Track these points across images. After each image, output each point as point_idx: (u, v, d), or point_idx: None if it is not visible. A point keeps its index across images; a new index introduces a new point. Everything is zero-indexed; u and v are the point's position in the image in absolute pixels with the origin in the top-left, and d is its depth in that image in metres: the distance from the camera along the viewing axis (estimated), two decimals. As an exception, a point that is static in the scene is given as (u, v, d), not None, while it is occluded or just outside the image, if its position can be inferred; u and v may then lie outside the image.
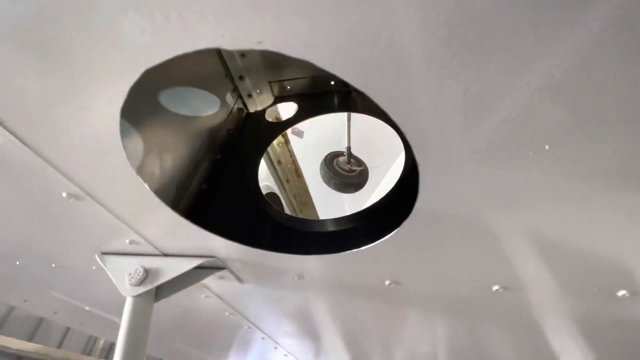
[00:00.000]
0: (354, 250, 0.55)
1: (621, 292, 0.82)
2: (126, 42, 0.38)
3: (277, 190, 1.14)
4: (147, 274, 0.51)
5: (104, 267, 0.59)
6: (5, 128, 0.49)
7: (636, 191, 0.56)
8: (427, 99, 0.45)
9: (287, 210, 1.02)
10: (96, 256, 0.61)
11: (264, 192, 0.89)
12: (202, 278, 0.53)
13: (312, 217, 1.09)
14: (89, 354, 6.08)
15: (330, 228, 0.56)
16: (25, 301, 1.23)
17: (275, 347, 1.02)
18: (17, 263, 0.80)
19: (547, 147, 0.51)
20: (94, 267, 0.70)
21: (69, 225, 0.58)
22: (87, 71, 0.41)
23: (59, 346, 5.78)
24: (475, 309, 0.88)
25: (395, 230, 0.57)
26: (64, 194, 0.53)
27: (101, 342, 6.26)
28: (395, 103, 0.44)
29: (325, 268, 0.59)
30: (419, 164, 0.53)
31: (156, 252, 0.56)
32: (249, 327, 0.88)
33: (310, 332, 0.95)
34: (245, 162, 0.75)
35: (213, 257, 0.52)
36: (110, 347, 6.44)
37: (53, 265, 0.77)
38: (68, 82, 0.44)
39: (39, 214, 0.57)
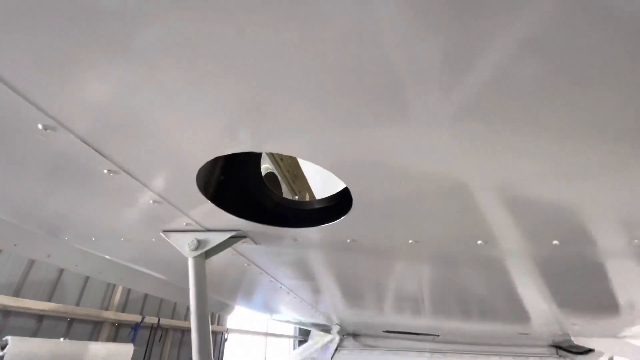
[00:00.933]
0: (329, 224, 0.79)
1: (568, 238, 0.92)
2: None
3: (274, 169, 1.34)
4: (199, 243, 0.76)
5: (169, 240, 0.82)
6: (80, 138, 0.66)
7: (595, 148, 0.62)
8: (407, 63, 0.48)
9: (283, 184, 1.23)
10: (161, 234, 0.84)
11: (264, 173, 1.09)
12: (232, 244, 0.78)
13: (304, 187, 1.31)
14: (107, 309, 6.60)
15: (315, 206, 0.78)
16: (100, 273, 1.43)
17: (280, 287, 1.33)
18: (93, 239, 1.01)
19: (520, 108, 0.55)
20: (153, 239, 0.93)
21: (140, 214, 0.80)
22: None
23: (77, 304, 6.22)
24: (457, 261, 1.07)
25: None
26: (151, 201, 0.73)
27: (117, 298, 6.75)
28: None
29: (312, 234, 0.83)
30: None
31: (202, 229, 0.82)
32: (260, 273, 1.16)
33: (306, 275, 1.23)
34: (249, 158, 0.94)
35: (238, 230, 0.80)
36: (126, 302, 6.98)
37: (122, 239, 1.00)
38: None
39: (124, 210, 0.80)
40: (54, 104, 0.60)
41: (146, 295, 7.49)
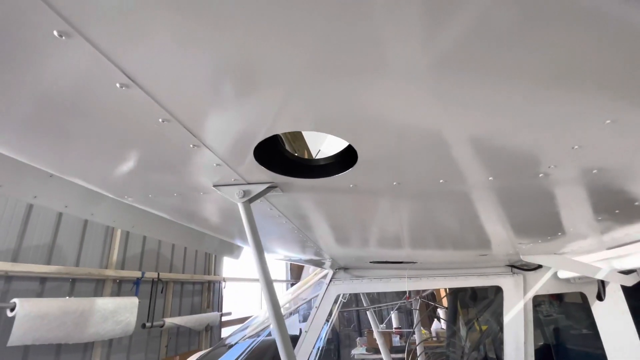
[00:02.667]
0: (339, 174, 1.02)
1: (538, 172, 1.06)
2: None
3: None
4: (244, 193, 0.99)
5: (220, 192, 1.04)
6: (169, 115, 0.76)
7: (563, 99, 0.68)
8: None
9: (286, 143, 1.44)
10: (213, 187, 1.05)
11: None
12: (266, 193, 1.02)
13: (302, 146, 1.52)
14: (106, 268, 6.89)
15: (324, 162, 1.00)
16: (114, 221, 1.61)
17: (292, 227, 1.62)
18: (150, 196, 1.21)
19: (498, 60, 0.57)
20: (202, 193, 1.14)
21: (200, 173, 1.00)
22: None
23: (77, 265, 6.45)
24: (429, 198, 1.29)
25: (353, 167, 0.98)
26: (214, 164, 0.92)
27: (114, 257, 7.02)
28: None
29: (324, 183, 1.07)
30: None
31: (245, 182, 1.02)
32: (279, 216, 1.41)
33: (314, 216, 1.49)
34: None
35: (272, 182, 1.03)
36: (124, 260, 7.29)
37: (175, 194, 1.19)
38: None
39: (187, 169, 0.99)
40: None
41: (143, 252, 7.81)
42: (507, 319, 2.33)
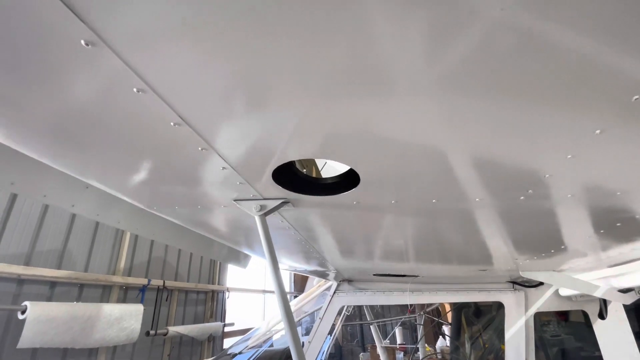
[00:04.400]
0: (344, 193, 1.12)
1: (529, 191, 1.13)
2: None
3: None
4: (261, 207, 1.10)
5: (239, 206, 1.15)
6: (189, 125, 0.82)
7: (561, 115, 0.73)
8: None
9: (298, 165, 1.56)
10: (233, 201, 1.16)
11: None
12: (280, 208, 1.13)
13: (310, 163, 1.64)
14: (113, 274, 7.00)
15: (330, 181, 1.11)
16: (136, 228, 1.73)
17: (300, 238, 1.72)
18: (175, 208, 1.34)
19: (498, 78, 0.61)
20: (223, 207, 1.25)
21: (223, 189, 1.12)
22: None
23: (85, 270, 6.58)
24: (424, 215, 1.38)
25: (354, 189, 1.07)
26: (237, 182, 1.04)
27: (122, 264, 7.14)
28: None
29: (330, 200, 1.18)
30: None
31: (262, 198, 1.13)
32: (289, 228, 1.52)
33: (320, 229, 1.60)
34: None
35: (285, 198, 1.13)
36: (131, 267, 7.40)
37: (199, 207, 1.31)
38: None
39: (213, 186, 1.10)
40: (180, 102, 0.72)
41: (149, 260, 7.92)
42: (508, 335, 2.36)
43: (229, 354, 3.64)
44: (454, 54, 0.56)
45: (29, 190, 1.44)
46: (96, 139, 0.87)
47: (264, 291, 12.23)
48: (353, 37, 0.54)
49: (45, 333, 5.31)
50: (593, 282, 2.11)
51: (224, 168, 0.96)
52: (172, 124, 0.76)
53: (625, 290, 1.97)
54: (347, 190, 1.07)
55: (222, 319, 10.14)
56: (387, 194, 1.14)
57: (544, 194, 1.16)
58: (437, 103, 0.70)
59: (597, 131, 0.80)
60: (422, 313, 5.93)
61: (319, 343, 2.61)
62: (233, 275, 10.96)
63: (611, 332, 2.14)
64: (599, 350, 2.40)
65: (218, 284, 10.24)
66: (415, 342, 7.90)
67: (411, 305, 6.35)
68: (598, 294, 1.98)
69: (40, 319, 5.25)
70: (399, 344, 8.76)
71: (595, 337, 2.37)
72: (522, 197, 1.21)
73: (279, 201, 1.10)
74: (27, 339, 5.08)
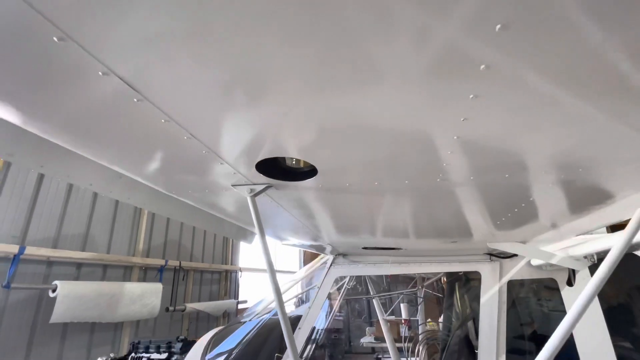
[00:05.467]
0: (304, 180, 1.38)
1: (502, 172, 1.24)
2: None
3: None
4: (252, 190, 1.39)
5: (236, 190, 1.44)
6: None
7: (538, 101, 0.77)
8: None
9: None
10: (231, 186, 1.45)
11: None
12: (266, 190, 1.42)
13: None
14: (133, 255, 7.52)
15: (302, 170, 1.38)
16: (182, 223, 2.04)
17: (291, 217, 2.03)
18: (189, 191, 1.66)
19: (481, 67, 0.64)
20: (224, 190, 1.54)
21: (219, 175, 1.36)
22: None
23: (108, 252, 7.08)
24: (375, 195, 1.59)
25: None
26: (233, 172, 1.30)
27: (140, 246, 7.63)
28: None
29: (310, 184, 1.45)
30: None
31: (252, 183, 1.39)
32: (278, 207, 1.81)
33: (308, 209, 1.88)
34: None
35: (269, 183, 1.41)
36: (149, 249, 7.91)
37: (207, 191, 1.57)
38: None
39: (209, 174, 1.38)
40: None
41: (165, 242, 8.43)
42: (483, 300, 2.65)
43: (241, 322, 4.06)
44: (441, 41, 0.60)
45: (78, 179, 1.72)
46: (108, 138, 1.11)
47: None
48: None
49: (74, 309, 5.85)
50: (555, 252, 2.37)
51: (221, 164, 1.25)
52: (185, 137, 1.04)
53: (580, 258, 2.22)
54: (310, 177, 1.35)
55: (236, 296, 10.74)
56: (341, 180, 1.40)
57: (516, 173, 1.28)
58: (424, 89, 0.75)
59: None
60: (421, 287, 6.25)
61: (317, 309, 2.97)
62: (245, 256, 11.49)
63: (577, 297, 2.41)
64: (565, 314, 2.67)
65: (231, 264, 10.78)
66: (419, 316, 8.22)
67: (413, 280, 6.68)
68: (554, 261, 2.23)
69: (70, 296, 5.77)
70: (404, 319, 9.18)
71: (563, 303, 2.64)
72: (471, 177, 1.45)
73: (264, 186, 1.39)
74: (59, 314, 5.62)
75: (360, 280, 6.29)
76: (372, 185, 1.42)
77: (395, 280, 8.88)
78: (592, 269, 2.67)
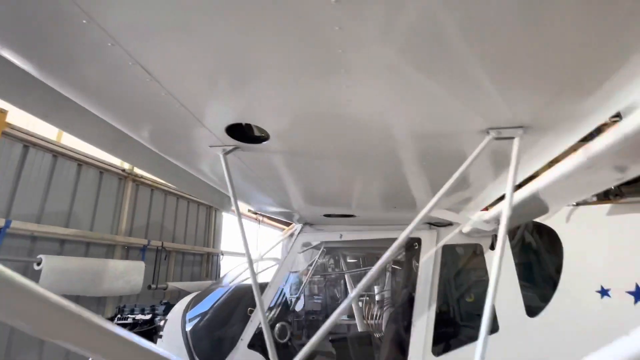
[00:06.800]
0: (262, 143, 1.79)
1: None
2: None
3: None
4: (223, 150, 1.78)
5: (212, 150, 1.83)
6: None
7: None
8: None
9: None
10: (209, 147, 1.85)
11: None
12: (235, 150, 1.82)
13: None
14: (116, 234, 7.76)
15: (262, 135, 1.81)
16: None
17: (261, 181, 2.44)
18: (192, 150, 2.08)
19: (440, 58, 0.78)
20: (203, 149, 1.92)
21: (200, 138, 1.78)
22: None
23: (91, 230, 7.28)
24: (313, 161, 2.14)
25: None
26: (212, 135, 1.76)
27: (123, 225, 7.87)
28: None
29: (262, 147, 1.85)
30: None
31: (223, 144, 1.76)
32: (246, 168, 2.25)
33: (277, 173, 2.27)
34: None
35: (236, 145, 1.79)
36: (131, 228, 8.16)
37: (192, 149, 2.00)
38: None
39: (193, 137, 1.80)
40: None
41: (148, 223, 8.69)
42: (421, 262, 3.19)
43: (219, 285, 4.50)
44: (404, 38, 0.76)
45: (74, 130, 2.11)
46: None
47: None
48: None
49: (59, 282, 6.08)
50: (480, 220, 2.90)
51: (203, 128, 1.65)
52: (172, 103, 1.47)
53: (487, 222, 2.75)
54: (265, 141, 1.78)
55: (217, 278, 11.11)
56: (294, 143, 1.81)
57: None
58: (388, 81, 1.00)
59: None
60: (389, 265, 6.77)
61: (287, 269, 3.47)
62: (226, 240, 11.85)
63: (497, 259, 2.93)
64: (487, 275, 3.23)
65: (213, 247, 11.11)
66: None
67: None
68: (479, 226, 2.76)
69: (55, 269, 6.01)
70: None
71: (486, 265, 3.21)
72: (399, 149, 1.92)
73: (233, 146, 1.80)
74: (43, 287, 5.83)
75: (335, 259, 6.74)
76: (318, 150, 1.88)
77: (370, 258, 9.43)
78: (511, 234, 3.25)
